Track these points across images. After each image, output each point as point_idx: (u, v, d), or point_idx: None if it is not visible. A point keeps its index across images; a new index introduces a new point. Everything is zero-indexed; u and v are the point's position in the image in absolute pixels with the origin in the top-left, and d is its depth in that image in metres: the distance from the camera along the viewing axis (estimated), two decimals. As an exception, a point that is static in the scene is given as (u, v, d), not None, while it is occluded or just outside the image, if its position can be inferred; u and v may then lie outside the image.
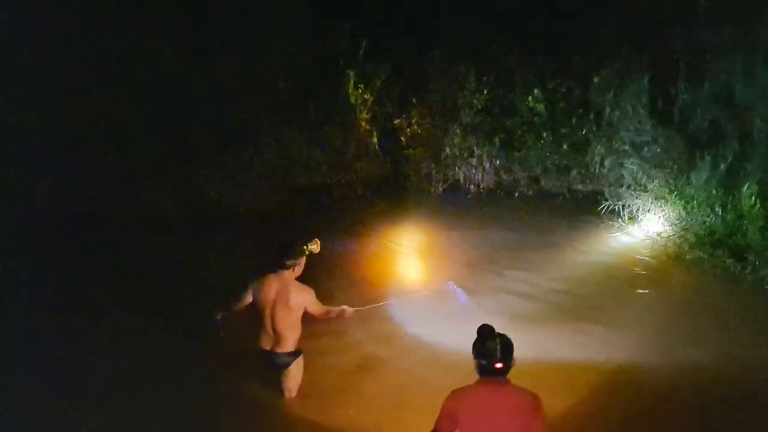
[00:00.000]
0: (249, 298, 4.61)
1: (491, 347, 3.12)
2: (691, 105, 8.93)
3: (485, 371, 3.16)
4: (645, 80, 9.16)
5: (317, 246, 4.70)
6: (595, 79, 9.74)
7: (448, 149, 10.34)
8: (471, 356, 3.22)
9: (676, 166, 8.56)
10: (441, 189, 10.41)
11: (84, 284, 6.99)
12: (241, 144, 9.97)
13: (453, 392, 3.17)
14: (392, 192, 10.31)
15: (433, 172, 10.39)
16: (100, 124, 9.27)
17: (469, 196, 10.15)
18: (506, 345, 3.15)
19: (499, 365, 3.10)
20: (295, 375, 4.84)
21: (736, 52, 8.83)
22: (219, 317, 4.67)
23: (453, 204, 9.92)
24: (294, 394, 4.92)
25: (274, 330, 4.58)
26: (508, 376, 3.17)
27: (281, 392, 4.90)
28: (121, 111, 9.39)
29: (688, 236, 7.92)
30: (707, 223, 7.86)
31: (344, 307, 4.85)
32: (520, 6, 11.29)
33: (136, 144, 9.35)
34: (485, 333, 3.22)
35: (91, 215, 8.54)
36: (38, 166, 8.84)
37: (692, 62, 9.08)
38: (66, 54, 9.10)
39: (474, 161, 10.22)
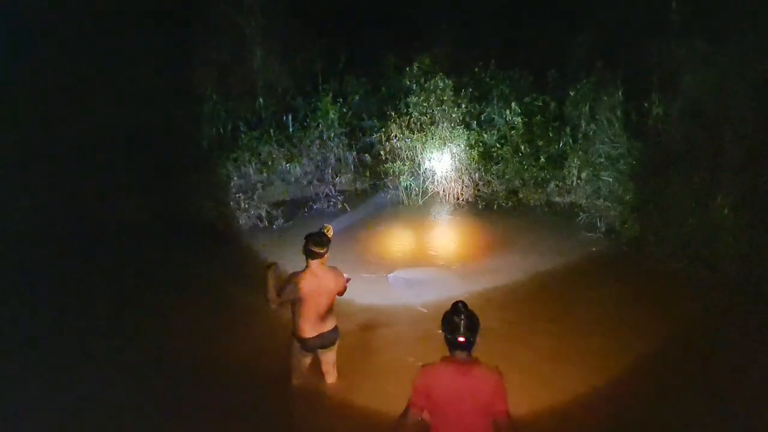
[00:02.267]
0: (293, 296, 4.77)
1: (456, 322, 3.29)
2: (665, 118, 9.05)
3: (451, 345, 3.32)
4: (619, 94, 9.30)
5: (331, 232, 5.14)
6: (571, 93, 9.90)
7: (427, 162, 10.39)
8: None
9: (651, 178, 8.66)
10: (421, 202, 10.44)
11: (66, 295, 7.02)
12: (220, 159, 9.94)
13: (423, 369, 3.36)
14: (371, 205, 10.33)
15: (413, 185, 10.42)
16: (78, 138, 9.16)
17: (448, 209, 10.19)
18: (471, 321, 3.31)
19: (461, 339, 3.26)
20: (335, 354, 5.16)
21: (708, 66, 8.98)
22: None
23: (433, 215, 9.97)
24: (335, 376, 5.24)
25: (320, 316, 4.86)
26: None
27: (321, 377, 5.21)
28: (99, 125, 9.29)
29: (665, 247, 7.99)
30: (682, 234, 7.94)
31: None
32: (497, 21, 11.45)
33: (114, 159, 9.26)
34: (454, 309, 3.38)
35: (68, 230, 8.44)
36: (16, 181, 8.73)
37: (665, 76, 9.22)
38: (44, 69, 9.02)
39: (453, 174, 10.26)
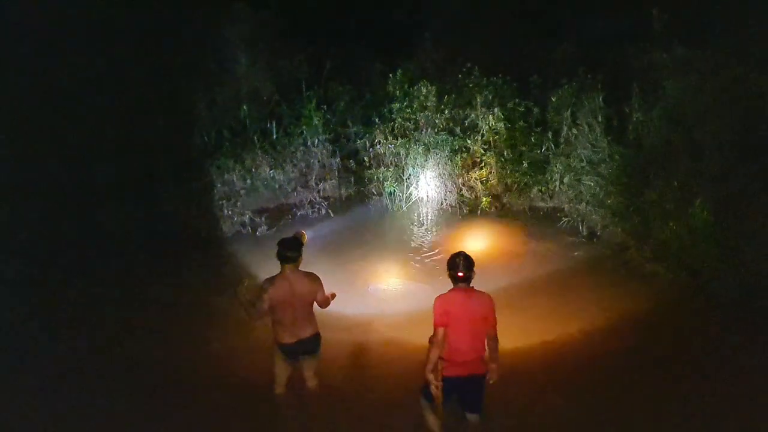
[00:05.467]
0: (266, 305, 4.75)
1: (457, 261, 4.38)
2: (645, 123, 9.13)
3: (453, 279, 4.40)
4: (600, 99, 9.38)
5: (305, 237, 5.25)
6: (553, 99, 9.97)
7: (411, 168, 10.42)
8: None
9: (632, 183, 8.74)
10: (405, 207, 10.46)
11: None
12: (203, 166, 9.92)
13: (438, 298, 4.37)
14: (356, 211, 10.35)
15: (397, 191, 10.44)
16: (60, 146, 9.09)
17: (432, 214, 10.21)
18: (467, 261, 4.39)
19: (461, 274, 4.34)
20: (317, 361, 5.14)
21: (687, 71, 9.07)
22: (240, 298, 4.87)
23: (416, 221, 9.98)
24: (317, 382, 5.18)
25: (297, 321, 4.84)
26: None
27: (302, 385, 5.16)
28: (81, 133, 9.22)
29: (645, 251, 8.06)
30: (662, 238, 8.00)
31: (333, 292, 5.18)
32: (480, 28, 11.52)
33: (96, 166, 9.19)
34: (455, 254, 4.47)
35: (50, 240, 8.36)
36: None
37: (645, 81, 9.31)
38: (28, 75, 8.95)
39: (436, 180, 10.29)
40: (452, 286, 4.43)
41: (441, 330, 4.29)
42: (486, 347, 4.40)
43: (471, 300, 4.34)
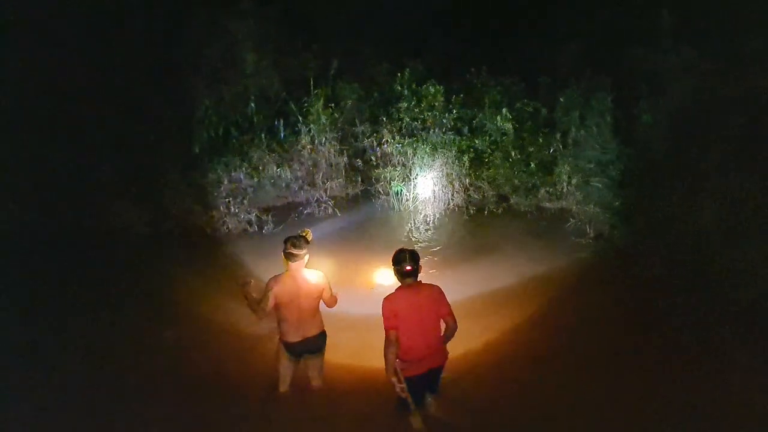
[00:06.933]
0: (272, 303, 4.79)
1: (402, 256, 4.50)
2: (653, 124, 9.09)
3: (401, 274, 4.50)
4: (608, 100, 9.34)
5: (310, 236, 5.41)
6: (561, 99, 9.94)
7: (418, 167, 10.40)
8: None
9: (639, 185, 8.70)
10: (411, 207, 10.43)
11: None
12: (209, 163, 9.94)
13: (386, 298, 4.44)
14: (362, 210, 10.34)
15: (403, 190, 10.43)
16: (65, 140, 9.11)
17: (439, 214, 10.19)
18: (413, 255, 4.54)
19: (408, 268, 4.46)
20: (322, 360, 5.19)
21: (696, 72, 9.03)
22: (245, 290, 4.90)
23: (423, 221, 9.96)
24: (321, 381, 5.23)
25: (303, 320, 4.88)
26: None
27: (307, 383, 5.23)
28: (87, 127, 9.24)
29: (651, 253, 8.01)
30: (668, 240, 7.96)
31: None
32: (488, 28, 11.50)
33: (102, 162, 9.22)
34: (399, 250, 4.60)
35: (54, 233, 8.36)
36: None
37: (654, 83, 9.28)
38: (32, 70, 8.97)
39: (443, 180, 10.27)
40: (399, 284, 4.55)
41: (392, 333, 4.36)
42: (443, 336, 4.51)
43: (419, 296, 4.42)
